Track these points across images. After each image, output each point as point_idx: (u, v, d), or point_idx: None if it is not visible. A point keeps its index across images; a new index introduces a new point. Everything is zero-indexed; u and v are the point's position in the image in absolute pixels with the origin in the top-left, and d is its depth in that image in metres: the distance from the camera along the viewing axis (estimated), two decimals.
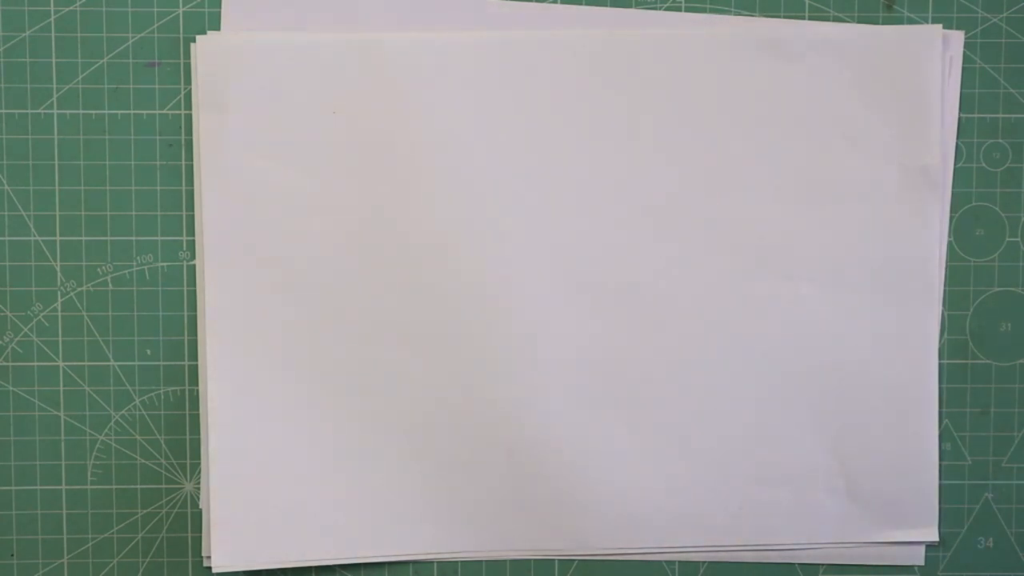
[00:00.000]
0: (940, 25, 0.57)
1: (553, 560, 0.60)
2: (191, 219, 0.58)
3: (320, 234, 0.57)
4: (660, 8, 0.58)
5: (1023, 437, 0.60)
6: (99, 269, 0.58)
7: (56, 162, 0.58)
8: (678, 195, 0.57)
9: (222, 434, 0.57)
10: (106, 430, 0.59)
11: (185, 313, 0.58)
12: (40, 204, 0.58)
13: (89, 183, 0.58)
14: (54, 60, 0.57)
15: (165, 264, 0.58)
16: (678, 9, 0.58)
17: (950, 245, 0.59)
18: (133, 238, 0.58)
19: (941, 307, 0.59)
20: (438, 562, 0.59)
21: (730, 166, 0.57)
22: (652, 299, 0.58)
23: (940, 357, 0.59)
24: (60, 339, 0.58)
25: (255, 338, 0.57)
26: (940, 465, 0.59)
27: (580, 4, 0.58)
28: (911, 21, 0.58)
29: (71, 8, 0.57)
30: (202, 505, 0.59)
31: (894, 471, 0.59)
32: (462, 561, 0.59)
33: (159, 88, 0.57)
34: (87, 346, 0.58)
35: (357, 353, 0.57)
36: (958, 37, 0.58)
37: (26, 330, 0.58)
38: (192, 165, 0.58)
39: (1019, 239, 0.59)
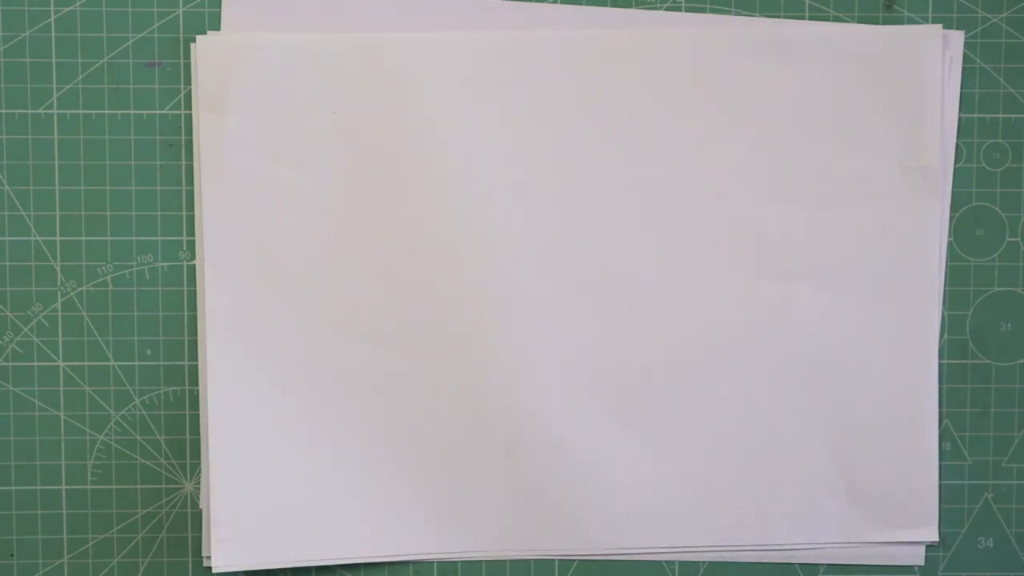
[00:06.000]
0: (940, 25, 0.57)
1: (553, 560, 0.60)
2: (191, 219, 0.58)
3: (320, 234, 0.57)
4: (660, 8, 0.58)
5: (1023, 437, 0.60)
6: (99, 269, 0.58)
7: (56, 162, 0.58)
8: (678, 195, 0.57)
9: (222, 434, 0.57)
10: (106, 430, 0.59)
11: (185, 313, 0.58)
12: (40, 204, 0.58)
13: (89, 183, 0.58)
14: (54, 60, 0.57)
15: (165, 264, 0.58)
16: (678, 9, 0.58)
17: (950, 245, 0.59)
18: (133, 238, 0.58)
19: (941, 307, 0.59)
20: (438, 562, 0.59)
21: (730, 166, 0.57)
22: (652, 299, 0.58)
23: (940, 357, 0.59)
24: (60, 339, 0.58)
25: (255, 338, 0.57)
26: (940, 465, 0.59)
27: (580, 4, 0.58)
28: (911, 21, 0.58)
29: (71, 8, 0.57)
30: (202, 505, 0.59)
31: (894, 471, 0.59)
32: (462, 561, 0.59)
33: (159, 88, 0.57)
34: (87, 346, 0.58)
35: (357, 353, 0.57)
36: (958, 37, 0.58)
37: (26, 330, 0.58)
38: (192, 165, 0.58)
39: (1019, 239, 0.59)
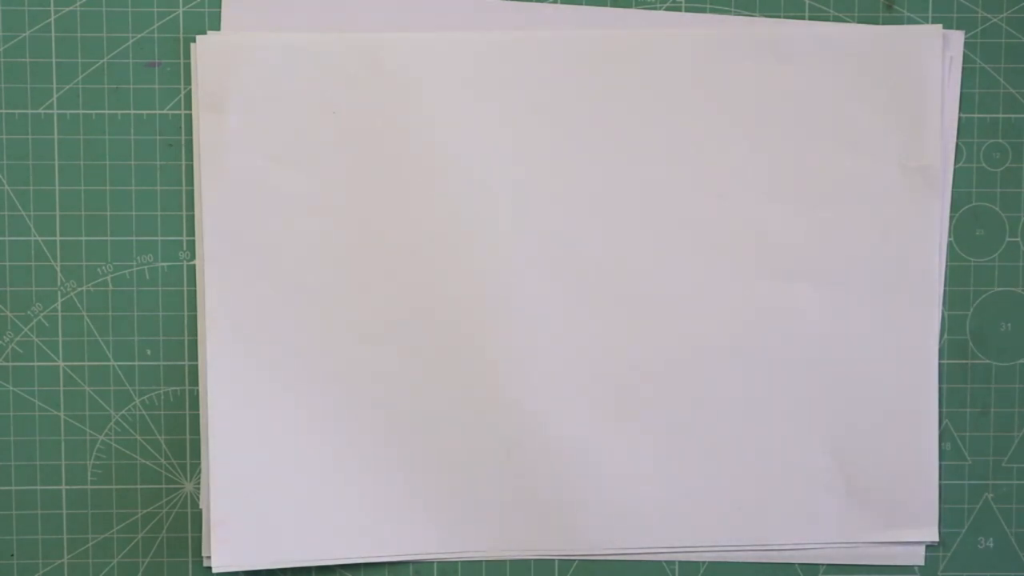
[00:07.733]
0: (940, 25, 0.57)
1: (553, 560, 0.60)
2: (191, 219, 0.58)
3: (320, 234, 0.57)
4: (660, 8, 0.58)
5: (1023, 437, 0.60)
6: (99, 269, 0.58)
7: (56, 162, 0.58)
8: (678, 195, 0.57)
9: (222, 434, 0.57)
10: (106, 430, 0.59)
11: (185, 313, 0.58)
12: (40, 204, 0.58)
13: (89, 183, 0.58)
14: (54, 60, 0.57)
15: (165, 264, 0.58)
16: (678, 9, 0.58)
17: (950, 245, 0.59)
18: (133, 238, 0.58)
19: (941, 307, 0.59)
20: (438, 562, 0.59)
21: (730, 166, 0.57)
22: (652, 299, 0.58)
23: (940, 357, 0.59)
24: (60, 339, 0.58)
25: (255, 338, 0.57)
26: (940, 465, 0.59)
27: (580, 4, 0.58)
28: (911, 21, 0.58)
29: (71, 8, 0.57)
30: (202, 505, 0.59)
31: (894, 471, 0.59)
32: (462, 561, 0.59)
33: (159, 88, 0.57)
34: (87, 346, 0.58)
35: (357, 353, 0.57)
36: (958, 37, 0.58)
37: (26, 330, 0.58)
38: (192, 165, 0.58)
39: (1019, 239, 0.59)
